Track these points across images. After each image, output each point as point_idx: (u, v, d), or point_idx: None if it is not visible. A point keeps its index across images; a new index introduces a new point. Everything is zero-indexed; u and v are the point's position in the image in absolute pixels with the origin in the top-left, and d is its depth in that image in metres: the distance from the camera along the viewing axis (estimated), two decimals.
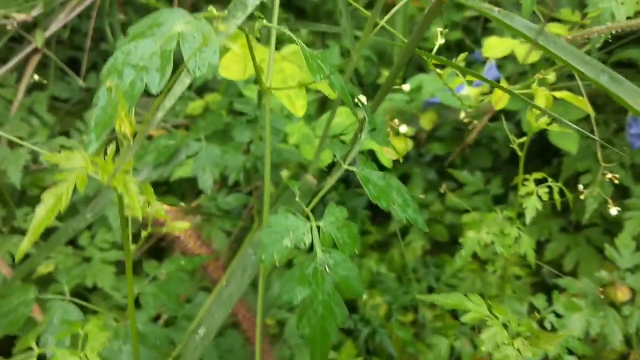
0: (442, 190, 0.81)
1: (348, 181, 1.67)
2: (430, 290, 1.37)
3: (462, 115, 0.90)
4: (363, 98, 0.58)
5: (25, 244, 0.33)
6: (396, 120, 0.58)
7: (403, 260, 1.43)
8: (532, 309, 0.91)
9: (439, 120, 1.31)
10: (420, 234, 1.47)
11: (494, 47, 0.93)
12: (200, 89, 1.76)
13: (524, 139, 0.74)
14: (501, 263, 0.97)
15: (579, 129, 0.49)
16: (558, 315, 0.84)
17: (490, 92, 0.94)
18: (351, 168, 0.53)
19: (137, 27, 0.42)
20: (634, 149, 0.93)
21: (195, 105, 1.49)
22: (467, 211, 0.90)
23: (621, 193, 1.22)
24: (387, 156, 0.84)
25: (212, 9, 0.46)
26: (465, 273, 1.35)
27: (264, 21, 0.50)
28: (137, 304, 0.69)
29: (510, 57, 1.11)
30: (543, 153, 1.52)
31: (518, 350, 0.50)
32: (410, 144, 1.01)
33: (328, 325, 0.48)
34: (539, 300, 0.83)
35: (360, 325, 1.25)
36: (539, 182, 0.83)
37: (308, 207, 0.51)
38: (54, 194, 0.32)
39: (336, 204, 1.44)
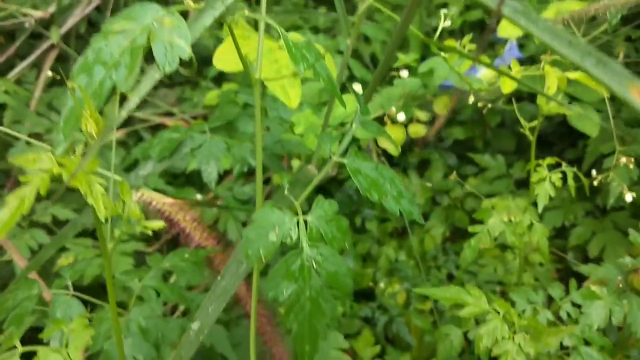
0: (452, 178, 0.79)
1: None
2: (450, 277, 1.34)
3: (472, 99, 0.87)
4: (357, 87, 0.56)
5: None
6: (393, 109, 0.56)
7: (422, 247, 1.41)
8: (550, 299, 0.88)
9: (458, 104, 1.27)
10: (441, 221, 1.44)
11: (507, 27, 0.89)
12: (217, 78, 1.76)
13: (535, 122, 0.71)
14: (521, 250, 0.93)
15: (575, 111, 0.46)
16: (575, 305, 0.81)
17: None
18: (341, 160, 0.51)
19: (110, 24, 0.41)
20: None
21: (212, 96, 1.49)
22: (489, 197, 0.87)
23: None
24: (384, 146, 0.82)
25: (188, 1, 0.45)
26: (486, 259, 1.32)
27: (246, 11, 0.48)
28: (140, 297, 0.69)
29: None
30: (569, 135, 1.46)
31: (519, 345, 0.48)
32: (423, 129, 0.99)
33: (317, 322, 0.47)
34: (556, 290, 0.80)
35: (378, 314, 1.24)
36: (555, 167, 0.79)
37: (298, 201, 0.50)
38: (18, 196, 0.32)
39: (355, 192, 1.42)
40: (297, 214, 0.48)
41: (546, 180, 0.70)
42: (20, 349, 0.42)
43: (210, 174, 0.81)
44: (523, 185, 1.41)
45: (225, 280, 0.57)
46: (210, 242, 0.80)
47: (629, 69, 0.34)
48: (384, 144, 0.83)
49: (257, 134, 0.53)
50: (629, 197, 0.66)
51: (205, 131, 0.84)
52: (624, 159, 0.69)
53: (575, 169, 0.72)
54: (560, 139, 1.48)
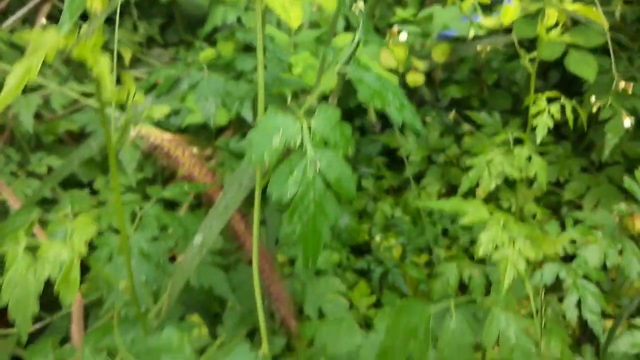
0: (451, 118, 0.78)
1: (363, 129, 1.65)
2: (445, 232, 1.35)
3: (479, 47, 0.86)
4: (360, 3, 0.55)
5: None
6: (395, 28, 0.56)
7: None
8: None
9: (454, 58, 1.27)
10: (437, 178, 1.45)
11: None
12: (211, 40, 1.74)
13: (534, 53, 0.71)
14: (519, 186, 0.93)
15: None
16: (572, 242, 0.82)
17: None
18: (344, 70, 0.51)
19: None
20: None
21: (207, 55, 1.48)
22: None
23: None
24: (386, 63, 0.81)
25: None
26: None
27: None
28: (141, 225, 0.69)
29: None
30: (564, 89, 1.47)
31: (519, 250, 0.48)
32: (422, 78, 0.98)
33: (320, 224, 0.47)
34: (552, 227, 0.80)
35: (373, 266, 1.25)
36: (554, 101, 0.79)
37: (301, 110, 0.50)
38: (24, 65, 0.32)
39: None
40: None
41: (545, 112, 0.70)
42: (25, 241, 0.42)
43: (208, 109, 0.80)
44: (519, 143, 1.41)
45: (227, 197, 0.57)
46: (209, 179, 0.80)
47: None
48: (387, 61, 0.81)
49: (258, 51, 0.53)
50: (627, 122, 0.66)
51: (202, 68, 0.83)
52: (622, 83, 0.69)
53: (574, 102, 0.72)
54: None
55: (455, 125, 1.51)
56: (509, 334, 0.48)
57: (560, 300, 0.77)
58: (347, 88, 0.67)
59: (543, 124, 0.69)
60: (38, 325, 1.10)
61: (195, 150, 0.81)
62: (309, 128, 0.48)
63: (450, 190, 1.47)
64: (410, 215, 1.40)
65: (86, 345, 0.56)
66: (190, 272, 0.57)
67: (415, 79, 0.98)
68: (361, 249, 1.35)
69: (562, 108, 0.74)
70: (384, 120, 1.64)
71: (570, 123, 0.70)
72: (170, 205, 1.23)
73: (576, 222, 0.96)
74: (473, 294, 0.79)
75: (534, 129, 0.75)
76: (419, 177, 1.47)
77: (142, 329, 0.54)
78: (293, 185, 0.46)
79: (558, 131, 1.44)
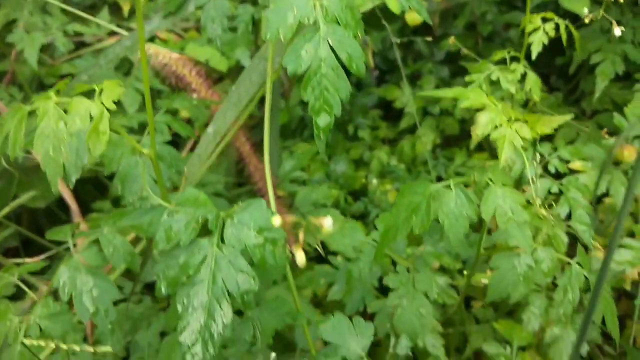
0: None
1: (360, 84, 1.68)
2: (439, 179, 1.39)
3: None
4: None
5: None
6: None
7: (413, 152, 1.45)
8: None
9: (451, 2, 1.30)
10: (432, 129, 1.48)
11: None
12: None
13: None
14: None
15: None
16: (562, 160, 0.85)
17: None
18: None
19: None
20: None
21: None
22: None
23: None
24: None
25: None
26: (474, 161, 1.37)
27: None
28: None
29: None
30: (559, 50, 1.51)
31: (516, 130, 0.52)
32: (420, 17, 1.01)
33: (331, 97, 0.50)
34: (544, 147, 0.84)
35: (370, 207, 1.28)
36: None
37: None
38: None
39: (349, 103, 1.44)
40: None
41: (540, 30, 0.73)
42: (55, 99, 0.45)
43: (215, 30, 0.83)
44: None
45: (239, 90, 0.60)
46: (215, 97, 0.83)
47: None
48: None
49: None
50: (617, 31, 0.69)
51: None
52: (617, 30, 0.71)
53: (567, 22, 0.75)
54: (548, 49, 1.52)
55: (451, 77, 1.54)
56: (505, 207, 0.52)
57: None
58: None
59: (538, 40, 0.72)
60: (43, 256, 1.12)
61: (202, 70, 0.84)
62: (322, 6, 0.50)
63: (445, 140, 1.50)
64: (405, 163, 1.43)
65: (105, 225, 0.59)
66: (205, 159, 0.60)
67: (414, 17, 1.01)
68: (357, 195, 1.39)
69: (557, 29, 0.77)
70: (382, 73, 1.67)
71: (564, 39, 0.73)
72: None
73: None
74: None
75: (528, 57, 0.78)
76: (414, 129, 1.50)
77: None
78: (307, 58, 0.49)
79: (550, 82, 1.48)
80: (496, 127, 0.53)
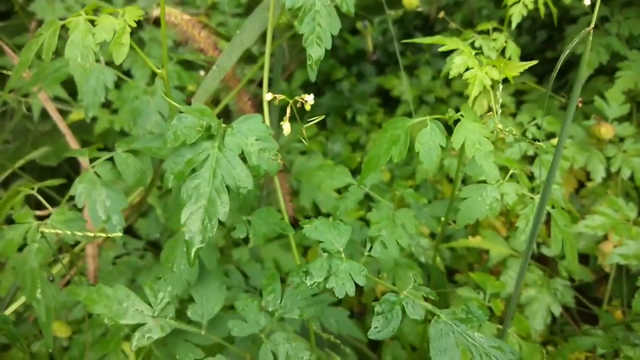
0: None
1: (360, 74, 1.75)
2: None
3: None
4: None
5: None
6: None
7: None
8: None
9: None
10: (427, 115, 1.55)
11: None
12: None
13: None
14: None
15: None
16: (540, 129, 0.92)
17: None
18: None
19: None
20: None
21: None
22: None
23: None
24: None
25: None
26: None
27: None
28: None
29: None
30: (552, 47, 1.59)
31: (486, 73, 0.59)
32: (417, 1, 1.09)
33: (323, 32, 0.57)
34: (524, 116, 0.91)
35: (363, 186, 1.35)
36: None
37: None
38: None
39: (348, 90, 1.52)
40: None
41: (520, 3, 0.80)
42: (85, 16, 0.52)
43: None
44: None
45: (243, 35, 0.67)
46: (217, 53, 0.90)
47: None
48: None
49: None
50: (587, 1, 0.76)
51: None
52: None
53: None
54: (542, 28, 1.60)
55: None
56: (474, 138, 0.58)
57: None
58: None
59: (518, 12, 0.79)
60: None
61: (211, 32, 0.91)
62: None
63: None
64: None
65: (119, 147, 0.66)
66: (210, 91, 0.67)
67: (411, 1, 1.08)
68: (353, 174, 1.45)
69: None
70: (380, 66, 1.75)
71: (542, 13, 0.81)
72: None
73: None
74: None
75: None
76: (410, 116, 1.57)
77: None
78: None
79: (540, 74, 1.55)
80: (468, 68, 0.60)
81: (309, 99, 0.50)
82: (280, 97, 0.51)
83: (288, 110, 0.49)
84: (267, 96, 0.52)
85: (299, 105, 0.50)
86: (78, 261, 0.84)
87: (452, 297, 1.02)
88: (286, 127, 0.50)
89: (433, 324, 0.47)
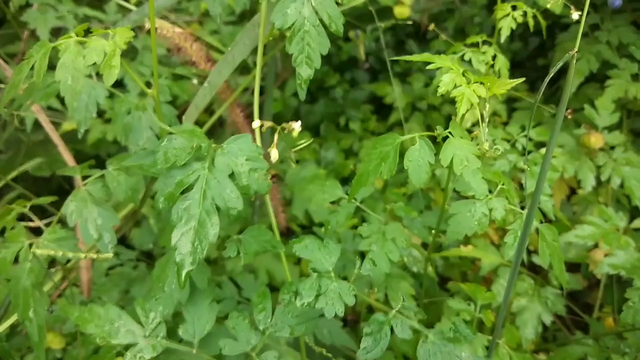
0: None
1: (353, 81, 1.76)
2: None
3: None
4: None
5: None
6: None
7: (401, 146, 1.52)
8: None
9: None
10: (419, 123, 1.56)
11: None
12: None
13: None
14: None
15: None
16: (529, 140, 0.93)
17: None
18: None
19: None
20: (614, 7, 1.00)
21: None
22: None
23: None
24: None
25: None
26: None
27: None
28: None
29: None
30: (543, 54, 1.60)
31: (474, 90, 0.59)
32: (408, 11, 1.10)
33: (312, 52, 0.57)
34: (514, 127, 0.92)
35: None
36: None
37: None
38: None
39: (342, 97, 1.53)
40: None
41: (509, 16, 0.81)
42: (75, 38, 0.52)
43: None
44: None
45: (234, 51, 0.67)
46: (209, 67, 0.90)
47: None
48: None
49: None
50: (575, 15, 0.76)
51: None
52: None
53: (534, 10, 0.83)
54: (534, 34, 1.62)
55: None
56: (462, 156, 0.59)
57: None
58: None
59: (507, 25, 0.80)
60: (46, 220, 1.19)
61: (202, 45, 0.91)
62: None
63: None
64: None
65: (110, 164, 0.66)
66: (201, 107, 0.67)
67: (402, 11, 1.09)
68: (346, 181, 1.46)
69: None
70: (373, 73, 1.76)
71: (531, 26, 0.81)
72: None
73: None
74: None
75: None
76: (402, 123, 1.58)
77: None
78: (292, 15, 0.56)
79: (532, 80, 1.56)
80: (456, 86, 0.60)
81: (296, 126, 0.50)
82: (268, 124, 0.52)
83: (276, 137, 0.50)
84: (255, 123, 0.52)
85: (286, 131, 0.51)
86: (71, 273, 0.84)
87: (444, 306, 1.03)
88: (274, 153, 0.51)
89: (421, 344, 0.48)
